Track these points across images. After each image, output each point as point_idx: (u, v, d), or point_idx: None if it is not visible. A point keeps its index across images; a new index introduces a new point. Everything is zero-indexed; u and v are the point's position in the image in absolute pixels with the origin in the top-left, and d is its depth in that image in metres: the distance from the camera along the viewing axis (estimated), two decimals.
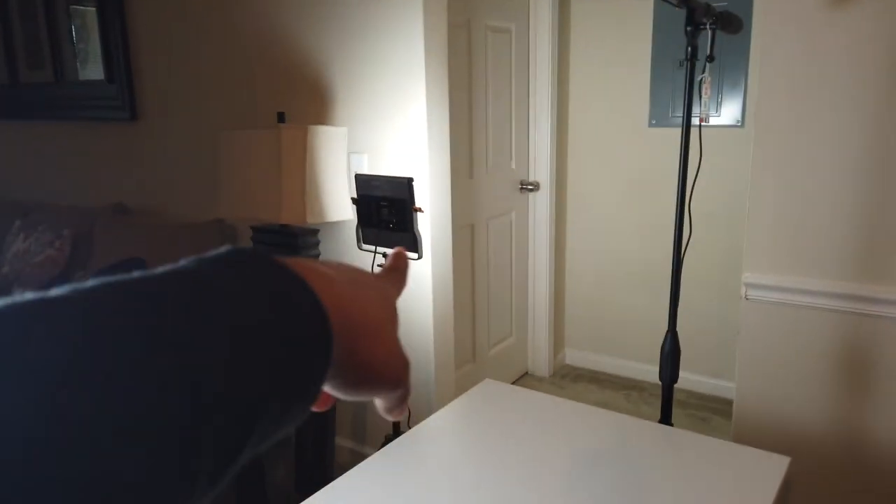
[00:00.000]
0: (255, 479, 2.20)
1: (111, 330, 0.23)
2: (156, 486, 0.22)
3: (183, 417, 0.23)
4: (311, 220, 2.07)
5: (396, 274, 0.44)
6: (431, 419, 1.29)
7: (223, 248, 0.30)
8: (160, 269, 0.27)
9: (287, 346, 0.28)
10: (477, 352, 3.03)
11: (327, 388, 0.35)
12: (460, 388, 2.47)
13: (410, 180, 1.90)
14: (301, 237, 2.17)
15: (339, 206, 2.15)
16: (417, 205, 1.93)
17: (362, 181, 1.99)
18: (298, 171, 2.05)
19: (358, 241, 2.05)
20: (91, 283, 0.24)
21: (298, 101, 2.38)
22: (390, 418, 0.41)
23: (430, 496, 1.04)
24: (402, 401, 0.40)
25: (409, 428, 1.24)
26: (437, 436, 1.25)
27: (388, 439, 2.03)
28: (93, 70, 3.00)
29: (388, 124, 2.22)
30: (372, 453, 1.14)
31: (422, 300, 2.27)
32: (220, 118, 2.62)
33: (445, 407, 1.33)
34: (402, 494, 1.04)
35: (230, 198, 2.18)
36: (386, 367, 0.36)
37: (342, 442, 2.45)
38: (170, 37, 2.72)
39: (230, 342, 0.26)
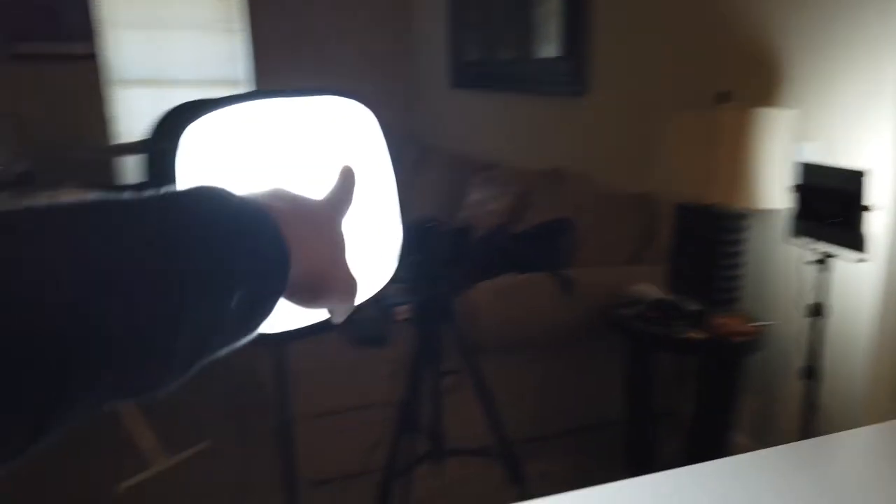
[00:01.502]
0: (645, 458, 2.27)
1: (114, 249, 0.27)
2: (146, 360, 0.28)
3: (163, 322, 0.28)
4: (743, 206, 2.00)
5: (342, 194, 0.45)
6: (853, 433, 1.17)
7: (195, 185, 0.34)
8: (146, 195, 0.31)
9: (249, 279, 0.32)
10: None
11: (286, 301, 0.39)
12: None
13: (863, 174, 1.70)
14: (728, 220, 2.11)
15: (775, 193, 2.03)
16: (870, 202, 1.71)
17: (806, 170, 1.85)
18: (738, 154, 1.99)
19: (789, 232, 1.91)
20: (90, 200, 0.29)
21: (741, 77, 2.29)
22: (333, 320, 0.46)
23: None
24: (347, 312, 0.45)
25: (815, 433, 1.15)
26: (857, 452, 1.13)
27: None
28: (548, 48, 3.34)
29: (846, 109, 1.99)
30: None
31: (860, 308, 2.01)
32: (661, 94, 2.67)
33: (878, 425, 1.19)
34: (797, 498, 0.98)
35: (665, 173, 2.23)
36: (335, 290, 0.41)
37: (741, 439, 2.36)
38: (628, 13, 2.85)
39: (202, 268, 0.30)
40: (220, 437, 2.46)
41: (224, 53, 4.29)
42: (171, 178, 0.43)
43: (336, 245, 0.41)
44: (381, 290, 0.58)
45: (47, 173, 3.67)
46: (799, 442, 1.11)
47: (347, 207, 0.45)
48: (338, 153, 0.51)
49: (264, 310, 0.34)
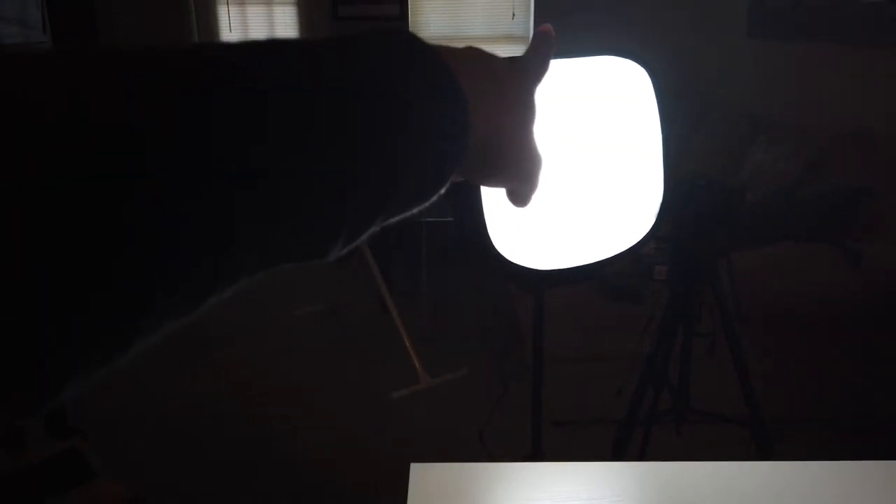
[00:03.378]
0: None
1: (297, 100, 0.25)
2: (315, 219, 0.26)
3: (339, 168, 0.26)
4: None
5: (538, 58, 0.40)
6: None
7: (385, 31, 0.32)
8: (329, 43, 0.29)
9: (429, 136, 0.30)
10: None
11: (461, 175, 0.36)
12: None
13: None
14: None
15: None
16: None
17: None
18: None
19: None
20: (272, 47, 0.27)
21: None
22: (514, 205, 0.41)
23: None
24: (529, 195, 0.40)
25: None
26: None
27: None
28: None
29: None
30: None
31: None
32: None
33: None
34: None
35: None
36: (516, 165, 0.37)
37: None
38: None
39: (381, 123, 0.28)
40: (476, 366, 2.70)
41: (508, 11, 4.47)
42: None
43: (522, 113, 0.37)
44: (637, 245, 0.59)
45: None
46: None
47: (542, 73, 0.40)
48: (609, 112, 0.54)
49: (440, 171, 0.32)
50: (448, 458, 0.84)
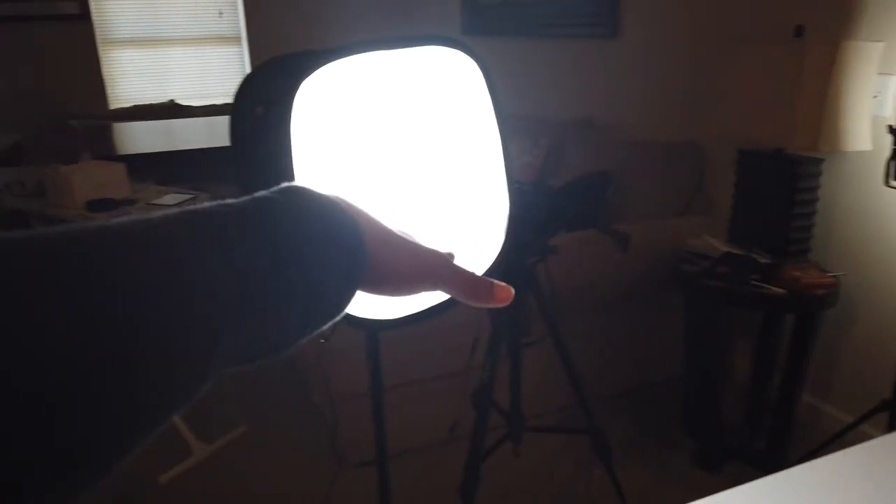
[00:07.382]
0: (707, 414, 2.16)
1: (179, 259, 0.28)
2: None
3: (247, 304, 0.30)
4: (823, 149, 1.85)
5: (466, 279, 0.41)
6: None
7: (284, 188, 0.34)
8: (240, 202, 0.32)
9: (328, 273, 0.33)
10: None
11: (375, 294, 0.38)
12: None
13: None
14: (803, 165, 1.97)
15: (859, 134, 1.88)
16: None
17: None
18: (818, 93, 1.83)
19: (887, 177, 1.77)
20: (169, 213, 0.29)
21: (816, 12, 2.11)
22: (484, 304, 0.40)
23: None
24: (470, 287, 0.40)
25: None
26: None
27: (887, 406, 1.78)
28: None
29: None
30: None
31: None
32: (707, 32, 2.49)
33: None
34: None
35: (728, 117, 2.07)
36: (409, 270, 0.38)
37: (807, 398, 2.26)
38: None
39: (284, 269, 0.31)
40: (255, 421, 2.33)
41: (214, 9, 4.02)
42: (286, 141, 0.39)
43: (402, 237, 0.39)
44: (491, 267, 0.52)
45: (41, 145, 3.43)
46: None
47: (451, 280, 0.41)
48: (444, 102, 0.48)
49: (335, 311, 0.36)
50: None
